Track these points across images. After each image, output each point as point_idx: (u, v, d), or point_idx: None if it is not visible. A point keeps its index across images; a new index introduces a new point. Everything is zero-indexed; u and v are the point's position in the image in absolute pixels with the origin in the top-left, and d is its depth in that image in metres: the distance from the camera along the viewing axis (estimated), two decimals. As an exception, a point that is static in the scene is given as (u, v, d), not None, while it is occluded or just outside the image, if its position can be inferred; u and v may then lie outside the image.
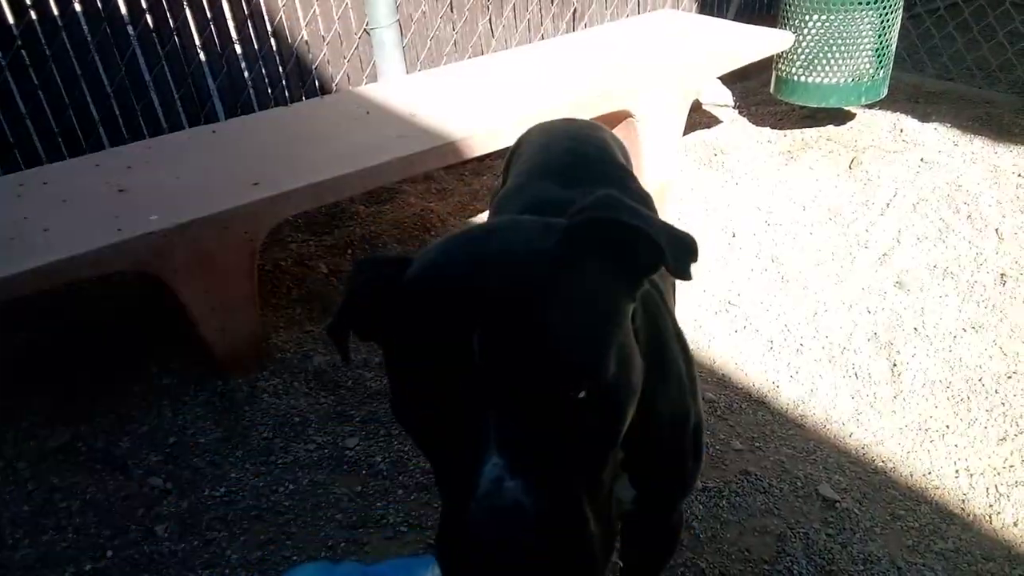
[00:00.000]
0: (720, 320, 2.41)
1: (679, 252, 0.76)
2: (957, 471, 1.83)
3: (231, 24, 2.92)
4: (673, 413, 1.05)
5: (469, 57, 3.43)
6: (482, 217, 3.08)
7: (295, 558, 1.72)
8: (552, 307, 0.70)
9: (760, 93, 4.01)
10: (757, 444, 1.95)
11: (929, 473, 1.83)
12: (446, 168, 3.41)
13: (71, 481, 1.92)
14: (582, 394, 0.69)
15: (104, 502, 1.87)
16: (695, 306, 2.48)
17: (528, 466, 0.67)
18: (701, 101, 3.94)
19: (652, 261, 0.78)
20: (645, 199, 1.39)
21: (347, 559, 1.71)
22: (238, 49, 2.97)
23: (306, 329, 2.45)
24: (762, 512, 1.76)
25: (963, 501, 1.76)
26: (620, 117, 2.75)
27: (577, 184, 1.31)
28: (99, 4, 2.64)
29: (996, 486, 1.78)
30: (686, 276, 0.76)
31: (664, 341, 1.04)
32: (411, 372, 0.73)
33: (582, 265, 0.74)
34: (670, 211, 3.00)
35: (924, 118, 3.57)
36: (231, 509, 1.85)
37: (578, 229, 0.76)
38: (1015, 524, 1.69)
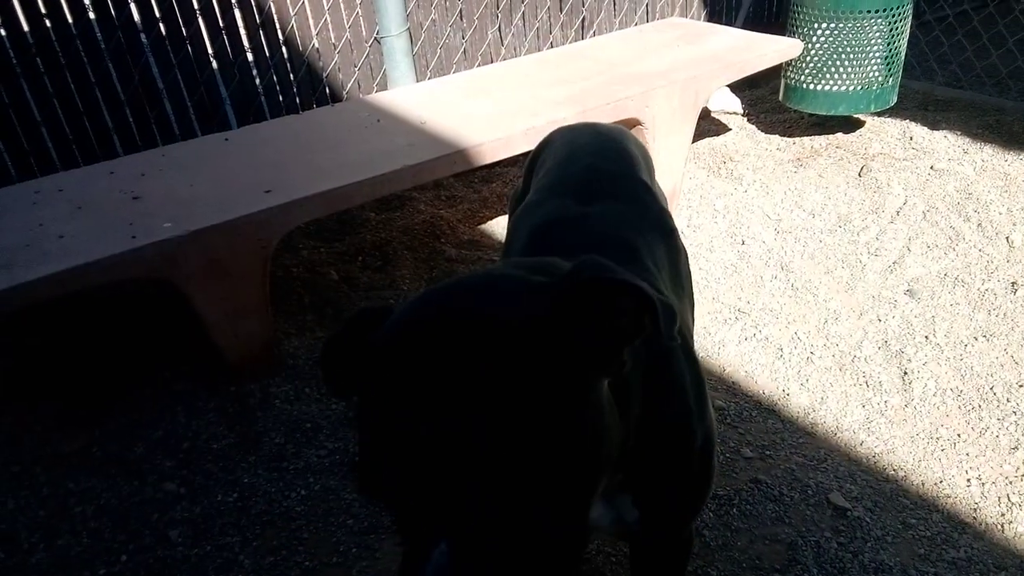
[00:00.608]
0: (730, 328, 2.42)
1: (668, 320, 0.72)
2: (969, 480, 1.83)
3: (243, 32, 2.94)
4: (677, 434, 1.04)
5: (479, 65, 3.45)
6: (492, 224, 3.09)
7: (307, 563, 1.73)
8: (519, 402, 0.66)
9: (769, 101, 4.02)
10: (767, 452, 1.95)
11: (940, 482, 1.83)
12: (456, 175, 3.42)
13: (86, 486, 1.94)
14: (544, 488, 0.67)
15: (119, 507, 1.88)
16: (704, 314, 2.48)
17: (475, 558, 0.65)
18: (710, 108, 3.95)
19: (639, 330, 0.74)
20: (664, 216, 1.39)
21: None
22: (250, 57, 2.99)
23: (317, 336, 2.46)
24: (773, 520, 1.76)
25: (975, 510, 1.76)
26: (629, 125, 2.76)
27: (595, 200, 1.32)
28: (113, 12, 2.67)
29: (1008, 495, 1.78)
30: (671, 341, 0.72)
31: (669, 360, 1.04)
32: (369, 447, 0.71)
33: (560, 348, 0.71)
34: (679, 219, 3.01)
35: (934, 126, 3.57)
36: (244, 514, 1.86)
37: (561, 306, 0.73)
38: (1027, 533, 1.69)
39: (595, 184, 1.38)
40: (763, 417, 2.07)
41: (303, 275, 2.76)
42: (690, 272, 1.45)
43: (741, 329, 2.41)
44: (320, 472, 1.97)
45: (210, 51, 2.90)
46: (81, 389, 2.26)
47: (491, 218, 3.14)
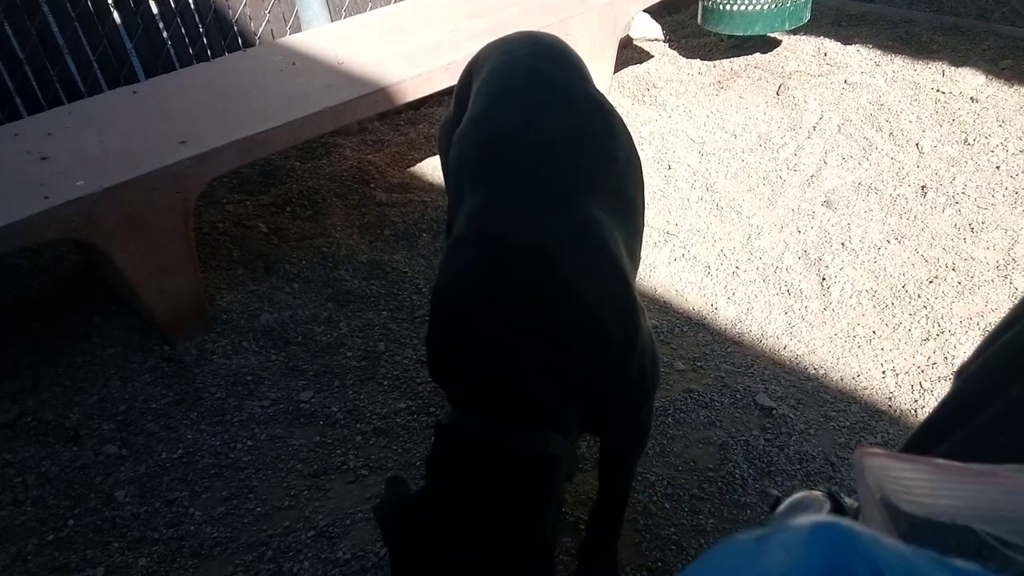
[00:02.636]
0: (660, 250, 2.48)
1: None
2: (884, 372, 1.95)
3: (143, -20, 2.81)
4: (604, 356, 1.13)
5: (395, 2, 3.37)
6: (421, 166, 3.07)
7: (259, 509, 1.76)
8: None
9: (689, 25, 4.04)
10: (699, 363, 2.04)
11: (858, 376, 1.94)
12: (381, 118, 3.38)
13: (24, 456, 1.91)
14: None
15: (60, 474, 1.87)
16: (634, 238, 2.53)
17: None
18: (632, 36, 3.95)
19: None
20: (611, 121, 1.38)
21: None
22: (153, 7, 2.86)
23: (250, 289, 2.43)
24: (705, 425, 1.85)
25: (890, 399, 1.87)
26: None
27: (540, 110, 1.31)
28: (-1, -34, 2.52)
29: (920, 383, 1.90)
30: None
31: (574, 290, 1.11)
32: None
33: None
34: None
35: (847, 40, 3.65)
36: (190, 469, 1.86)
37: None
38: (937, 416, 1.81)
39: (538, 90, 1.36)
40: (694, 331, 2.15)
41: (231, 230, 2.71)
42: (642, 180, 1.43)
43: (671, 250, 2.48)
44: (265, 422, 1.98)
45: (110, 2, 2.76)
46: (8, 361, 2.20)
47: (420, 160, 3.12)
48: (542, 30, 2.61)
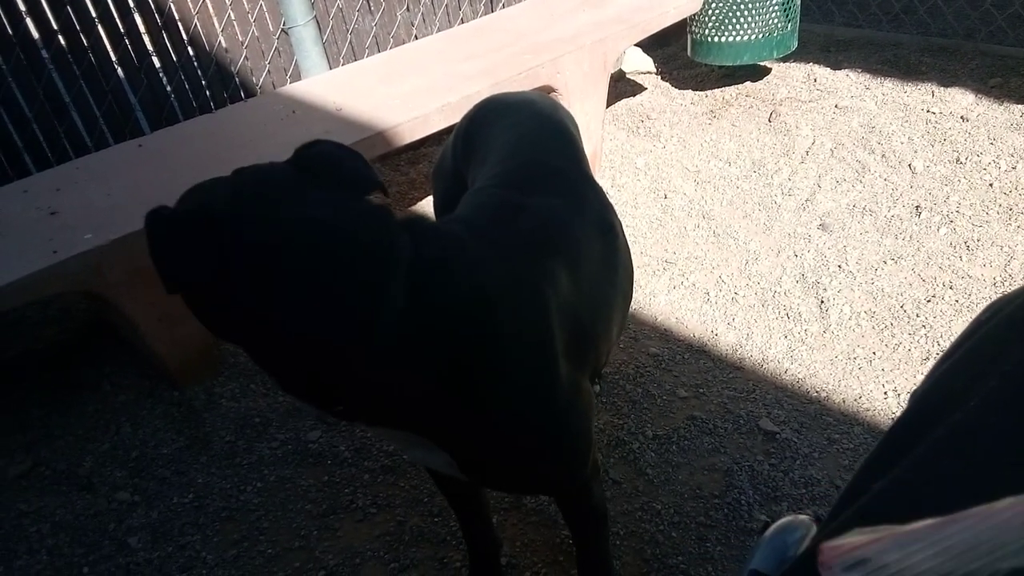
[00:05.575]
0: (659, 279, 2.51)
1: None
2: (886, 392, 1.96)
3: (145, 36, 2.89)
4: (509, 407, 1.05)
5: (390, 48, 3.46)
6: (422, 205, 3.13)
7: (270, 551, 1.77)
8: None
9: (680, 57, 4.12)
10: (701, 390, 2.06)
11: (860, 397, 1.96)
12: (381, 159, 3.44)
13: (38, 505, 1.94)
14: None
15: (74, 522, 1.89)
16: (635, 268, 2.56)
17: None
18: (624, 70, 4.03)
19: None
20: (604, 213, 1.41)
21: None
22: (156, 61, 2.94)
23: (257, 332, 2.47)
24: (710, 452, 1.86)
25: (892, 419, 1.88)
26: (544, 92, 2.81)
27: (537, 194, 1.33)
28: (10, 30, 2.60)
29: (921, 402, 1.91)
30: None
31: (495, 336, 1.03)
32: None
33: None
34: (602, 181, 3.09)
35: (836, 66, 3.71)
36: (201, 513, 1.89)
37: None
38: (940, 434, 1.82)
39: (538, 179, 1.38)
40: (695, 358, 2.17)
41: (237, 274, 2.75)
42: (629, 267, 1.47)
43: (669, 278, 2.51)
44: (274, 463, 2.01)
45: (113, 58, 2.84)
46: (20, 412, 2.24)
47: (420, 199, 3.17)
48: (533, 68, 2.69)
